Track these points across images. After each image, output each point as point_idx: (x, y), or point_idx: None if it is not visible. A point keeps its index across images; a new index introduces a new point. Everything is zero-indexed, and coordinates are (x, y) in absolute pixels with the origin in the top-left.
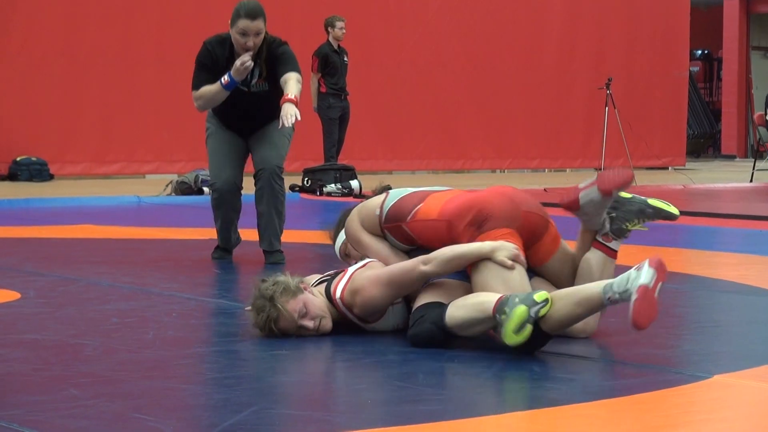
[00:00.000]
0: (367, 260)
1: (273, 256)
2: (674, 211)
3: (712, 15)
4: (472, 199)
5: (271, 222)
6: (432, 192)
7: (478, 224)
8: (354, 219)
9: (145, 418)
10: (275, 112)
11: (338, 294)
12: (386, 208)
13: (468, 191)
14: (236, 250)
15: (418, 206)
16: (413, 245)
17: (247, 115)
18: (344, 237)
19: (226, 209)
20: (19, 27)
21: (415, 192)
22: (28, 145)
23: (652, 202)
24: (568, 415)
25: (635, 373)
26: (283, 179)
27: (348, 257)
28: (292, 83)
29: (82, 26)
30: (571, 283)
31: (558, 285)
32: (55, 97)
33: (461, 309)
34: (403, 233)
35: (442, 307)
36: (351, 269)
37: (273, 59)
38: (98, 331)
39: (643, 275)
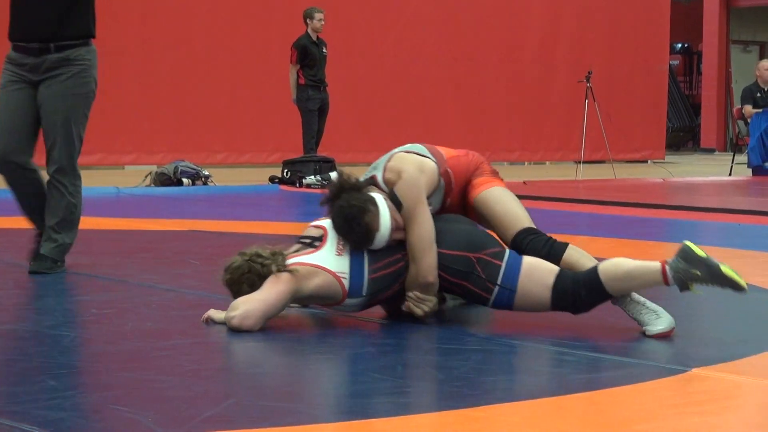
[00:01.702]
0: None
1: (38, 262)
2: (743, 284)
3: (692, 8)
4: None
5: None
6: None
7: (491, 170)
8: (420, 182)
9: (123, 410)
10: (72, 27)
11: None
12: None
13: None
14: (214, 240)
15: (440, 149)
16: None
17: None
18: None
19: (18, 192)
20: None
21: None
22: None
23: (725, 270)
24: (545, 408)
25: (613, 366)
26: (75, 176)
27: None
28: None
29: None
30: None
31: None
32: None
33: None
34: (447, 176)
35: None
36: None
37: None
38: (76, 322)
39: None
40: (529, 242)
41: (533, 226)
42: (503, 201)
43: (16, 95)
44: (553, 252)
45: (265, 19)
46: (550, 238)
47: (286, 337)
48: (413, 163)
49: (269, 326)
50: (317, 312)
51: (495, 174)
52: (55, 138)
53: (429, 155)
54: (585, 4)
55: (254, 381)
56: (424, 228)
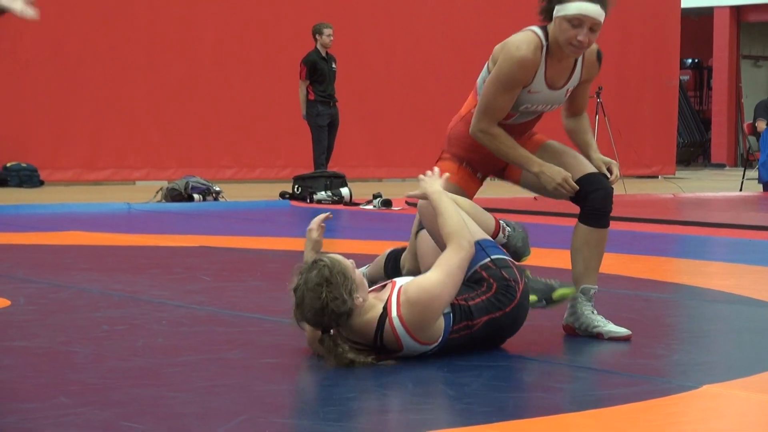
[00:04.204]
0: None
1: None
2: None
3: (702, 24)
4: None
5: None
6: None
7: None
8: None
9: (135, 426)
10: None
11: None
12: None
13: None
14: (225, 256)
15: None
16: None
17: None
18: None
19: None
20: (8, 34)
21: None
22: (18, 150)
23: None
24: (557, 425)
25: (624, 383)
26: None
27: (593, 34)
28: None
29: (72, 32)
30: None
31: None
32: (45, 103)
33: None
34: None
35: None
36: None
37: None
38: (88, 338)
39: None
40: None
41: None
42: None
43: None
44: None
45: (274, 35)
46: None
47: (297, 354)
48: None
49: (281, 343)
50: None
51: None
52: None
53: None
54: None
55: (266, 398)
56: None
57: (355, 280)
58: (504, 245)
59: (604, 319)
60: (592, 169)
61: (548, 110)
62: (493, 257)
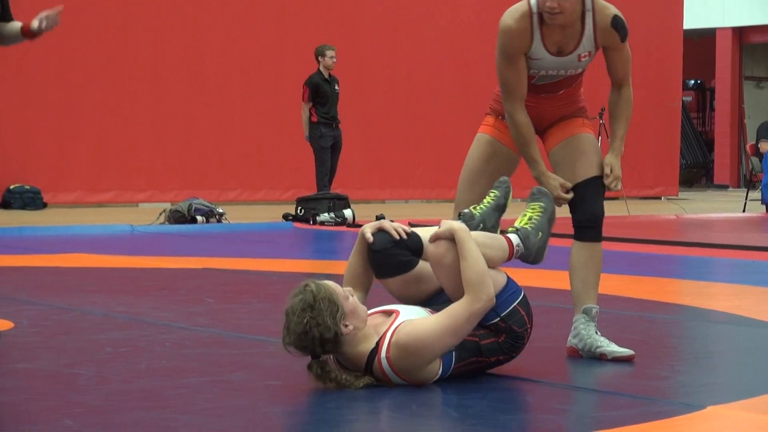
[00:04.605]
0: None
1: None
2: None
3: (704, 45)
4: None
5: None
6: None
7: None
8: None
9: None
10: None
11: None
12: None
13: None
14: (228, 277)
15: None
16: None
17: None
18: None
19: None
20: (13, 58)
21: None
22: (22, 173)
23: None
24: None
25: (628, 404)
26: None
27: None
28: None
29: (76, 56)
30: None
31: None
32: (48, 126)
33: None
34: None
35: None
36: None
37: None
38: (92, 360)
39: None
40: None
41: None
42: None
43: None
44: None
45: (277, 57)
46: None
47: (301, 376)
48: None
49: (285, 365)
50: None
51: (590, 121)
52: None
53: None
54: None
55: (269, 420)
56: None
57: (343, 306)
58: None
59: (607, 340)
60: (591, 176)
61: (569, 74)
62: (502, 315)
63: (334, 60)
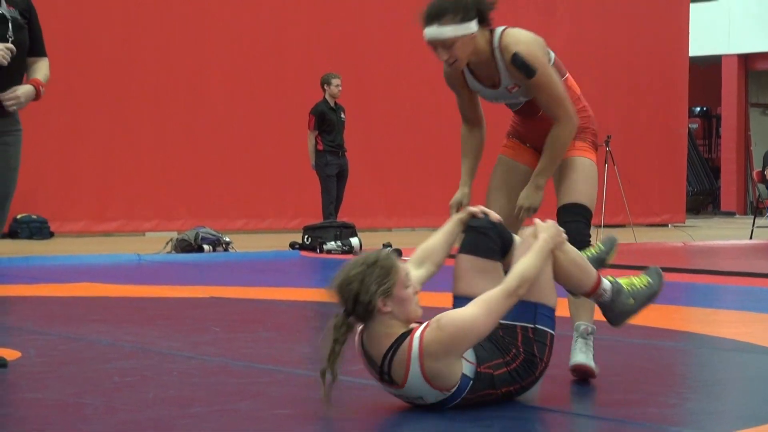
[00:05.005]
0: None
1: None
2: None
3: (710, 72)
4: (594, 117)
5: None
6: None
7: (596, 147)
8: (535, 41)
9: None
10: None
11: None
12: (552, 57)
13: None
14: (235, 306)
15: (567, 75)
16: (532, 101)
17: None
18: (461, 32)
19: None
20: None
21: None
22: (28, 203)
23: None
24: None
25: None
26: None
27: (446, 50)
28: (45, 71)
29: (80, 86)
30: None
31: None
32: (54, 156)
33: None
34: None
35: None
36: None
37: (27, 10)
38: (99, 390)
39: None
40: (574, 223)
41: (582, 203)
42: (576, 172)
43: None
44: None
45: (283, 85)
46: (581, 234)
47: (309, 405)
48: (529, 33)
49: (292, 394)
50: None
51: (593, 147)
52: None
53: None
54: (604, 69)
55: None
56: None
57: (393, 286)
58: (599, 303)
59: (582, 354)
60: (572, 200)
61: (519, 100)
62: (537, 326)
63: (340, 88)
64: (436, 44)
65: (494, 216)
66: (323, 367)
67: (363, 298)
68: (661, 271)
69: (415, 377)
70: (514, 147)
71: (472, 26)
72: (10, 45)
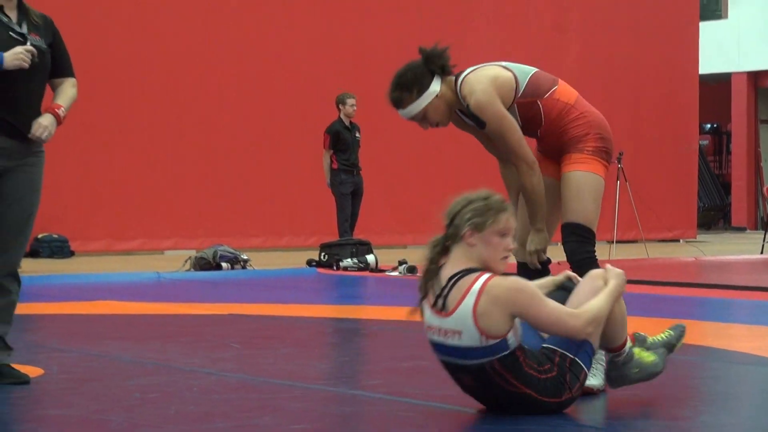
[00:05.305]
0: None
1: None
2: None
3: (720, 89)
4: (603, 120)
5: None
6: (556, 78)
7: (604, 150)
8: (491, 89)
9: None
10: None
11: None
12: (522, 83)
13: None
14: (254, 323)
15: (555, 87)
16: (525, 126)
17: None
18: (426, 102)
19: None
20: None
21: (541, 72)
22: (50, 222)
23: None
24: None
25: None
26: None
27: (424, 121)
28: (69, 92)
29: (101, 109)
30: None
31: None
32: (75, 177)
33: None
34: (531, 110)
35: None
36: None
37: (50, 35)
38: (121, 406)
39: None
40: (567, 243)
41: (573, 221)
42: (567, 189)
43: None
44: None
45: (299, 106)
46: (574, 253)
47: (327, 419)
48: (486, 79)
49: (311, 409)
50: (356, 393)
51: (595, 153)
52: (19, 236)
53: (513, 71)
54: (615, 87)
55: None
56: (509, 118)
57: (486, 224)
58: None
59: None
60: (564, 220)
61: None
62: (576, 359)
63: (355, 108)
64: (413, 118)
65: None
66: (420, 282)
67: (457, 221)
68: (684, 328)
69: (466, 309)
70: (540, 161)
71: (434, 88)
72: (30, 47)
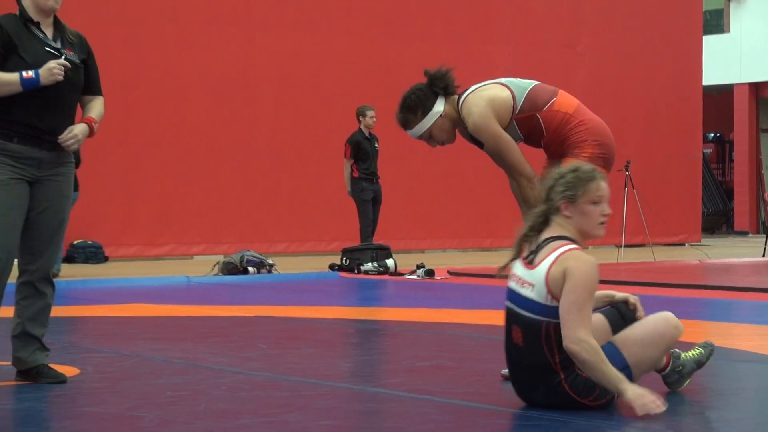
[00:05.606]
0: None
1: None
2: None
3: (723, 100)
4: (604, 128)
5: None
6: (556, 88)
7: (602, 157)
8: (487, 110)
9: None
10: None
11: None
12: (520, 99)
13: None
14: (279, 324)
15: (554, 99)
16: (528, 138)
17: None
18: (430, 122)
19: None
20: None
21: (540, 85)
22: (85, 229)
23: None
24: None
25: None
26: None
27: (431, 140)
28: (99, 108)
29: (137, 120)
30: None
31: None
32: (110, 186)
33: None
34: (531, 123)
35: None
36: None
37: (84, 53)
38: (153, 404)
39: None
40: None
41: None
42: None
43: (17, 192)
44: None
45: (321, 117)
46: None
47: (352, 416)
48: (483, 100)
49: (336, 407)
50: (378, 391)
51: (592, 159)
52: (51, 241)
53: (511, 88)
54: (622, 99)
55: None
56: (506, 138)
57: (578, 195)
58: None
59: None
60: None
61: (518, 141)
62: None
63: (374, 119)
64: (421, 140)
65: (639, 313)
66: (516, 242)
67: (552, 195)
68: (713, 348)
69: (544, 267)
70: (548, 167)
71: (437, 108)
72: (63, 61)
